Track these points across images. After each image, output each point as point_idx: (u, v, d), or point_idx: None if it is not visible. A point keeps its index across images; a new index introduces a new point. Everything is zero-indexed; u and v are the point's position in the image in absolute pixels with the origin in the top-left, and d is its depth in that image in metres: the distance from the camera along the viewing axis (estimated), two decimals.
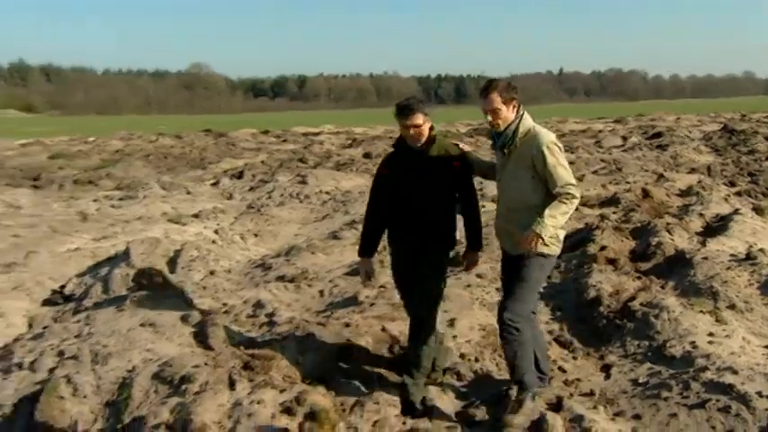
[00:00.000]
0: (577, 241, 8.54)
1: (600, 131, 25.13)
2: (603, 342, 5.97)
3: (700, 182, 11.98)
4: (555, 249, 4.56)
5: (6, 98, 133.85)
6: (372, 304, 6.18)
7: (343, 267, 7.86)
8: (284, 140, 24.90)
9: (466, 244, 5.11)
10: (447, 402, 4.79)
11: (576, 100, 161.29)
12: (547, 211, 4.26)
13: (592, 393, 5.03)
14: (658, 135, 21.41)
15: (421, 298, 4.85)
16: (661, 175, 12.91)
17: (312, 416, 4.20)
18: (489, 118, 4.48)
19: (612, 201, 10.80)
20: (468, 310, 6.21)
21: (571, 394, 4.95)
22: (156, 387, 4.80)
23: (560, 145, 4.47)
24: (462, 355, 5.49)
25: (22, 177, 18.38)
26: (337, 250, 8.56)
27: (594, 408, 4.61)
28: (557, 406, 4.58)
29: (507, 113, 4.43)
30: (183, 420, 4.30)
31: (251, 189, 13.67)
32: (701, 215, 9.30)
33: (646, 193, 10.90)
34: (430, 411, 4.59)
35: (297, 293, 6.96)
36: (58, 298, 8.02)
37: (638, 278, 7.14)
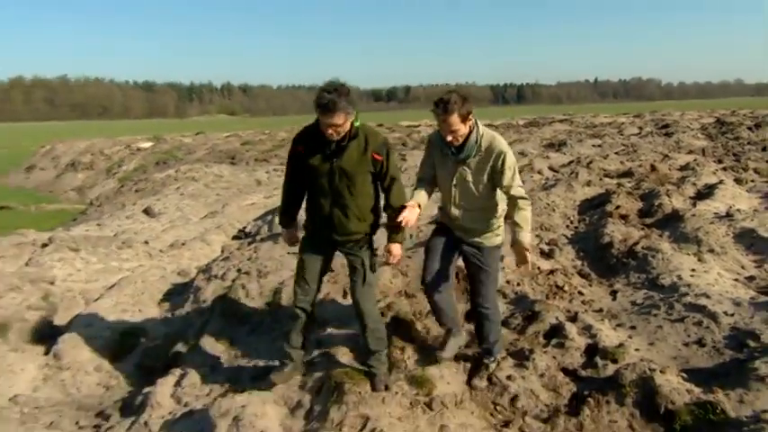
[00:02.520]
0: (599, 202, 8.30)
1: (622, 123, 23.98)
2: (613, 274, 5.82)
3: (695, 160, 11.41)
4: (502, 238, 3.73)
5: (219, 107, 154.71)
6: None
7: (428, 217, 7.89)
8: (393, 131, 24.94)
9: (388, 235, 3.60)
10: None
11: (606, 101, 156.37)
12: (522, 224, 3.42)
13: (601, 310, 4.95)
14: (666, 126, 20.36)
15: (359, 293, 3.60)
16: (666, 155, 12.33)
17: (397, 319, 4.28)
18: (449, 138, 3.34)
19: (628, 173, 10.42)
20: None
21: (585, 310, 4.88)
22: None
23: (510, 149, 3.51)
24: (508, 281, 5.47)
25: (225, 157, 19.27)
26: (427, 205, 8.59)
27: (602, 320, 4.55)
28: (573, 318, 4.53)
29: (465, 129, 3.35)
30: None
31: None
32: (694, 184, 8.87)
33: (653, 168, 10.47)
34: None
35: None
36: (241, 234, 8.43)
37: (642, 229, 6.88)
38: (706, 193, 8.28)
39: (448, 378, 3.74)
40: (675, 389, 3.34)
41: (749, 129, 17.42)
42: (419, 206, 3.52)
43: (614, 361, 3.82)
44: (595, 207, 8.15)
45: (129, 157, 21.73)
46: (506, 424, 3.37)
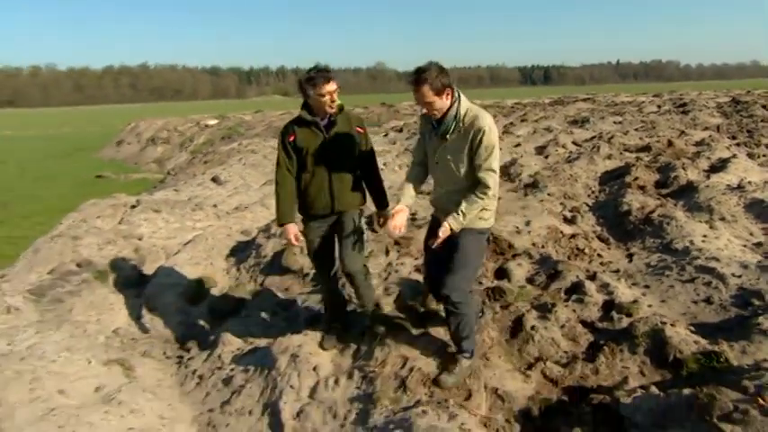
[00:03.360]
0: (619, 174, 8.06)
1: (642, 102, 22.99)
2: (630, 239, 5.66)
3: (710, 136, 10.86)
4: (490, 222, 3.09)
5: (274, 88, 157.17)
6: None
7: None
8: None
9: (375, 205, 3.61)
10: (522, 270, 4.79)
11: (627, 82, 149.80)
12: (463, 206, 2.87)
13: (618, 271, 4.85)
14: (684, 104, 19.38)
15: (351, 257, 3.40)
16: (683, 132, 11.76)
17: None
18: (425, 110, 2.89)
19: (646, 148, 10.00)
20: (539, 215, 6.06)
21: (603, 271, 4.80)
22: None
23: (496, 129, 2.90)
24: (534, 244, 5.41)
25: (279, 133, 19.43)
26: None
27: (618, 280, 4.47)
28: (592, 277, 4.48)
29: (442, 103, 2.82)
30: None
31: (407, 138, 13.67)
32: (708, 158, 8.46)
33: (670, 143, 10.03)
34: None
35: (428, 202, 7.04)
36: None
37: (658, 199, 6.66)
38: (719, 166, 7.91)
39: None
40: (684, 340, 3.29)
41: (763, 107, 16.48)
42: (407, 206, 3.10)
43: (629, 315, 3.77)
44: (615, 178, 7.93)
45: (198, 132, 22.11)
46: (529, 367, 3.39)
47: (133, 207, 6.69)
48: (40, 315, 4.29)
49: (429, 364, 3.26)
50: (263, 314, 4.28)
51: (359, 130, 3.40)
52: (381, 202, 3.58)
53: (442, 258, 3.11)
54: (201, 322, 4.65)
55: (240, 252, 5.88)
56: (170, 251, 5.81)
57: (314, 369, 3.32)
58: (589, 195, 7.54)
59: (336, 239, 3.52)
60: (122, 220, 6.40)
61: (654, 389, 2.91)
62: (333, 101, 3.21)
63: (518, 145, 11.45)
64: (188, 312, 4.78)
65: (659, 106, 20.00)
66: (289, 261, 5.09)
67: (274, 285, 4.67)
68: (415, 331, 3.60)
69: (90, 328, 4.26)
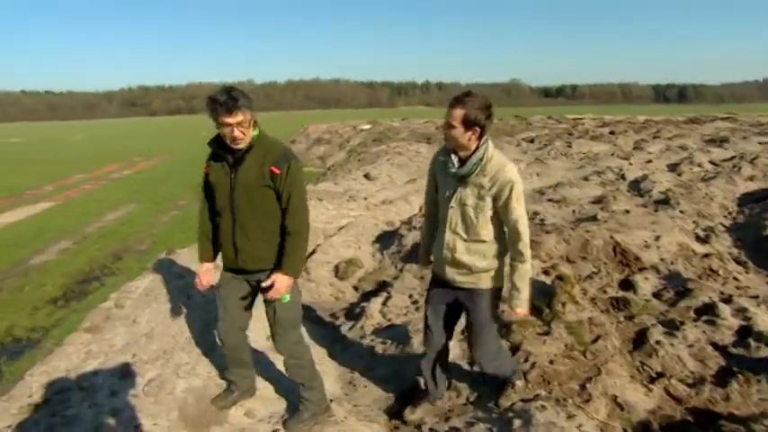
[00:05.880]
0: (761, 197, 6.85)
1: None
2: None
3: None
4: (502, 282, 2.48)
5: (419, 100, 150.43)
6: (606, 221, 5.64)
7: (589, 198, 7.24)
8: (560, 122, 23.08)
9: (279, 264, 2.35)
10: (648, 284, 4.28)
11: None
12: (519, 284, 2.35)
13: (757, 297, 4.11)
14: None
15: (275, 335, 2.50)
16: None
17: (560, 277, 4.02)
18: (444, 134, 2.34)
19: None
20: (670, 232, 5.37)
21: (740, 295, 4.10)
22: None
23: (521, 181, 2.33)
24: (662, 259, 4.81)
25: (422, 137, 19.50)
26: (587, 187, 7.88)
27: (758, 306, 3.79)
28: (727, 300, 3.85)
29: (464, 136, 2.25)
30: None
31: (538, 149, 12.98)
32: None
33: None
34: None
35: (558, 209, 6.61)
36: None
37: None
38: None
39: (598, 331, 3.44)
40: None
41: None
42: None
43: None
44: (757, 201, 6.75)
45: (354, 135, 23.14)
46: (652, 380, 3.01)
47: None
48: None
49: (554, 363, 3.04)
50: (401, 295, 4.33)
51: (274, 169, 2.25)
52: (288, 264, 2.33)
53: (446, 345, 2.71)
54: (348, 296, 4.85)
55: (384, 240, 6.02)
56: (327, 233, 6.14)
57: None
58: (726, 216, 6.50)
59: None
60: None
61: None
62: (235, 136, 2.21)
63: (649, 161, 10.28)
64: (338, 287, 5.01)
65: None
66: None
67: (412, 273, 4.71)
68: (538, 330, 3.39)
69: None
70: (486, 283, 2.41)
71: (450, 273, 2.45)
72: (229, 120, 2.17)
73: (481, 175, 2.30)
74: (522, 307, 2.41)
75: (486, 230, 2.36)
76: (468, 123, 2.23)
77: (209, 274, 2.57)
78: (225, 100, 2.14)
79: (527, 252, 2.35)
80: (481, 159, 2.28)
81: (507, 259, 2.44)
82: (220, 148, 2.32)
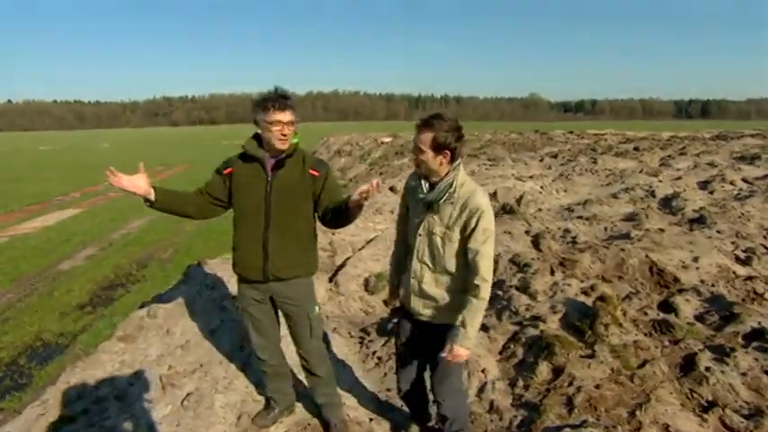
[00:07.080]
0: None
1: None
2: None
3: None
4: None
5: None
6: (640, 240, 5.48)
7: (620, 215, 7.08)
8: (582, 137, 22.84)
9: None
10: (690, 307, 4.12)
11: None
12: (468, 320, 2.07)
13: None
14: None
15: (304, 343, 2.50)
16: None
17: (602, 298, 3.86)
18: (414, 159, 2.16)
19: None
20: (708, 252, 5.19)
21: None
22: (510, 266, 4.87)
23: (492, 211, 2.12)
24: (702, 281, 4.64)
25: None
26: (616, 205, 7.71)
27: None
28: None
29: (434, 161, 2.09)
30: (524, 282, 4.32)
31: (561, 164, 12.82)
32: None
33: None
34: None
35: (589, 227, 6.47)
36: None
37: None
38: None
39: (645, 355, 3.30)
40: None
41: None
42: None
43: None
44: None
45: (375, 148, 23.21)
46: (705, 410, 2.87)
47: None
48: None
49: (600, 388, 2.91)
50: None
51: (313, 173, 2.31)
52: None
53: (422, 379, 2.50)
54: (378, 310, 4.77)
55: None
56: (355, 247, 6.08)
57: (482, 371, 3.17)
58: (765, 237, 6.27)
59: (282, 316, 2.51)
60: None
61: None
62: (284, 134, 2.22)
63: (679, 178, 10.03)
64: (367, 300, 4.94)
65: None
66: None
67: None
68: (581, 352, 3.27)
69: None
70: (452, 317, 2.14)
71: (416, 303, 2.26)
72: (281, 117, 2.19)
73: (449, 203, 2.11)
74: (467, 347, 2.09)
75: (454, 262, 2.14)
76: (437, 147, 2.07)
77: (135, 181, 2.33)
78: (278, 98, 2.20)
79: (484, 288, 2.07)
80: (451, 185, 2.10)
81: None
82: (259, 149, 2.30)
